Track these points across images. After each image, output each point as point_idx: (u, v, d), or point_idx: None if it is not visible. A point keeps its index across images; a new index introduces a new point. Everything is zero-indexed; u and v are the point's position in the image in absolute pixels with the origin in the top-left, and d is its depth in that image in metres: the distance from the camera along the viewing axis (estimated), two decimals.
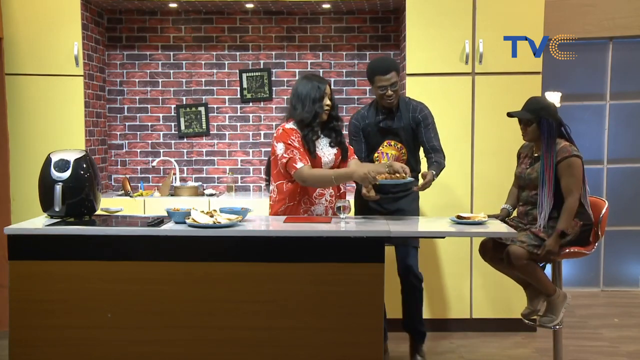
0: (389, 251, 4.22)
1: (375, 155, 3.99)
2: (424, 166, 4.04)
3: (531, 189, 3.74)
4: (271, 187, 3.79)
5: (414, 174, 3.97)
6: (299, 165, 3.59)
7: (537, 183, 3.69)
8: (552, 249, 3.58)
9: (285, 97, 5.40)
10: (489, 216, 3.75)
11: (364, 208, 3.99)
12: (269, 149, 5.21)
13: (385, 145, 3.98)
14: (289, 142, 3.63)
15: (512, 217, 3.86)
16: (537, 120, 3.67)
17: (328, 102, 3.70)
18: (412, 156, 4.02)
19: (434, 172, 3.77)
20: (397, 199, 3.98)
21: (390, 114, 3.95)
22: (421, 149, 4.04)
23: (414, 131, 3.96)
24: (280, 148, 3.64)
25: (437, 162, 3.90)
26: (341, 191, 3.84)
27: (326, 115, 3.70)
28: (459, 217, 3.55)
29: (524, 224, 3.74)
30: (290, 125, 3.69)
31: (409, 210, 3.98)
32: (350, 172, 3.62)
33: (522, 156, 3.89)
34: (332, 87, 5.38)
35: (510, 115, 3.80)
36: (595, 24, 5.55)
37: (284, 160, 3.63)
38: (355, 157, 3.88)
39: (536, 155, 3.75)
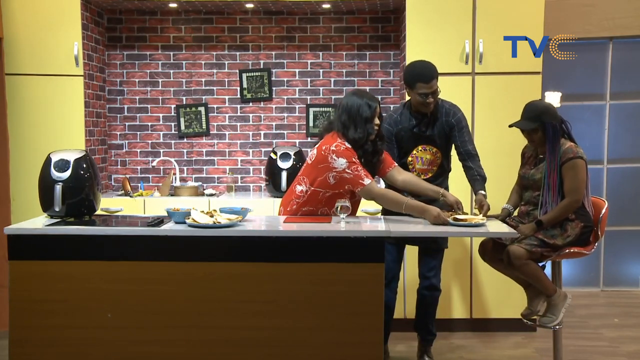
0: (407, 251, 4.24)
1: (409, 159, 3.94)
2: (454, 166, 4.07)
3: (534, 189, 3.74)
4: (301, 188, 3.68)
5: (443, 180, 3.97)
6: (367, 181, 3.54)
7: (540, 184, 3.68)
8: (525, 233, 3.62)
9: (285, 97, 5.40)
10: (489, 216, 3.75)
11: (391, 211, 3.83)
12: (269, 149, 5.24)
13: (420, 150, 3.93)
14: (353, 159, 3.55)
15: (512, 217, 3.86)
16: (542, 127, 3.65)
17: (377, 121, 3.64)
18: (445, 158, 3.99)
19: (484, 193, 3.79)
20: (428, 203, 3.85)
21: (425, 118, 3.89)
22: (453, 148, 4.02)
23: (448, 135, 3.93)
24: (342, 163, 3.53)
25: (480, 175, 3.87)
26: (355, 198, 3.75)
27: (374, 135, 3.65)
28: (455, 219, 3.52)
29: (524, 224, 3.73)
30: (347, 144, 3.58)
31: None
32: (423, 208, 3.56)
33: (527, 156, 3.87)
34: (332, 87, 5.40)
35: (512, 126, 3.76)
36: (595, 24, 5.55)
37: (347, 176, 3.54)
38: (396, 164, 3.81)
39: (541, 156, 3.74)
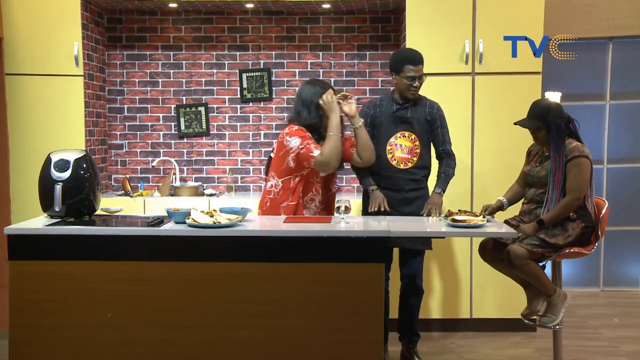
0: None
1: (389, 147, 3.94)
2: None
3: (538, 187, 3.74)
4: (271, 183, 3.78)
5: (424, 178, 4.00)
6: (315, 153, 3.61)
7: (545, 181, 3.68)
8: (526, 233, 3.62)
9: (285, 97, 5.40)
10: (484, 206, 3.81)
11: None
12: (269, 149, 5.23)
13: (399, 137, 3.94)
14: (306, 135, 3.66)
15: (513, 217, 3.86)
16: (546, 126, 3.66)
17: None
18: (425, 150, 3.99)
19: (438, 192, 3.89)
20: (410, 202, 3.93)
21: (406, 105, 3.94)
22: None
23: (429, 125, 3.97)
24: (295, 141, 3.64)
25: (444, 173, 3.95)
26: (330, 192, 3.85)
27: None
28: (453, 220, 3.51)
29: (525, 223, 3.73)
30: (299, 127, 3.71)
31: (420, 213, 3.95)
32: (330, 119, 3.66)
33: (533, 154, 3.87)
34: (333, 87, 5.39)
35: (517, 124, 3.77)
36: (595, 24, 5.55)
37: (301, 152, 3.63)
38: (354, 149, 3.84)
39: (547, 154, 3.74)
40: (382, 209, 3.82)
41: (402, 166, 3.93)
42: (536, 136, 3.74)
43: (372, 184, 3.90)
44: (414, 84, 3.87)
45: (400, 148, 3.94)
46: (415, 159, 3.95)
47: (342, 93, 3.79)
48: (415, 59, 3.88)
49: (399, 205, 3.92)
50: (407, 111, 3.94)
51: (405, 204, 3.92)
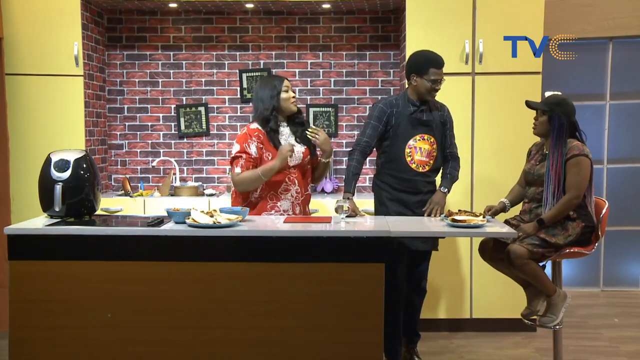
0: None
1: (407, 150, 3.90)
2: None
3: (538, 185, 3.74)
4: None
5: (437, 174, 4.01)
6: (237, 170, 3.68)
7: (544, 179, 3.69)
8: (527, 232, 3.63)
9: None
10: (487, 207, 3.83)
11: (391, 212, 3.91)
12: None
13: (418, 140, 3.90)
14: (245, 145, 3.71)
15: (514, 216, 3.86)
16: (549, 114, 3.67)
17: (292, 94, 3.79)
18: (440, 153, 3.98)
19: (444, 191, 3.94)
20: (426, 203, 3.93)
21: (422, 107, 3.91)
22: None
23: (442, 127, 3.97)
24: (235, 147, 3.74)
25: (450, 174, 4.00)
26: (306, 192, 3.87)
27: (294, 106, 3.80)
28: (453, 220, 3.52)
29: (525, 222, 3.73)
30: (254, 125, 3.78)
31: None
32: (272, 163, 3.67)
33: (533, 153, 3.88)
34: (332, 87, 5.40)
35: (527, 103, 3.79)
36: (595, 24, 5.55)
37: (231, 160, 3.74)
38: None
39: (547, 152, 3.75)
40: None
41: (420, 169, 3.92)
42: (536, 120, 3.75)
43: (349, 191, 3.86)
44: (437, 87, 3.85)
45: (420, 151, 3.91)
46: (432, 162, 3.94)
47: (312, 129, 3.78)
48: (439, 62, 3.86)
49: (416, 207, 3.92)
50: (424, 114, 3.91)
51: (422, 205, 3.92)
